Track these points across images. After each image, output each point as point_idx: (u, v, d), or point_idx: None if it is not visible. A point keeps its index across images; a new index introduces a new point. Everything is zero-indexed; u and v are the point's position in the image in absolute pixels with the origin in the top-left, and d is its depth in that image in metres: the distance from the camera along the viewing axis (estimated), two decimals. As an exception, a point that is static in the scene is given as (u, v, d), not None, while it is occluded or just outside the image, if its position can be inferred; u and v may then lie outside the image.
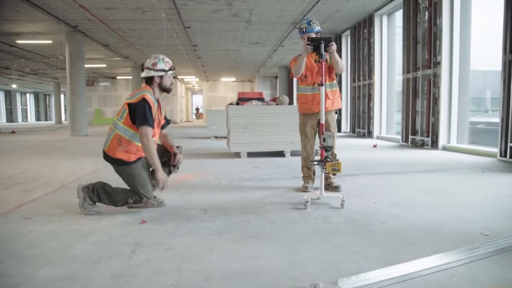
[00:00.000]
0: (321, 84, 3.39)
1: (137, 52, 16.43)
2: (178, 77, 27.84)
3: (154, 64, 3.07)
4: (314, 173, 4.07)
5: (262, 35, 13.65)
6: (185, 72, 25.62)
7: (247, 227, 2.67)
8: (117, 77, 27.06)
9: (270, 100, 8.00)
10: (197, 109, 39.45)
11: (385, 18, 10.64)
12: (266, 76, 28.31)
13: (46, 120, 40.37)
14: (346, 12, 10.79)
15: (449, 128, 7.80)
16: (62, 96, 31.58)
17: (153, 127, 2.98)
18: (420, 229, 2.64)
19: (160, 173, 2.97)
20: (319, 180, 4.06)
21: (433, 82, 8.02)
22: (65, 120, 28.39)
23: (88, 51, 14.71)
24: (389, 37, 10.72)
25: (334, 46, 3.42)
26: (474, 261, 2.08)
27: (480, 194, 3.70)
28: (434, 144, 7.97)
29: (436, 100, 7.97)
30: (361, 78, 11.83)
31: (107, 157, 3.11)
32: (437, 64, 7.87)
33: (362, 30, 11.59)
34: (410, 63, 8.85)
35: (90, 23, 11.37)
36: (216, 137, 11.22)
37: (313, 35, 3.64)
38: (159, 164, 2.98)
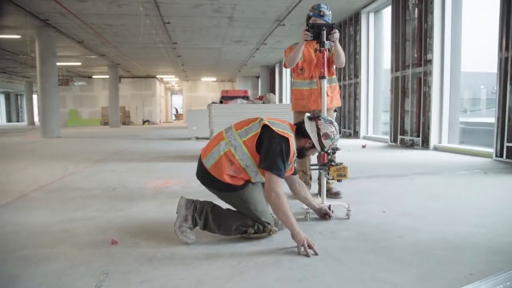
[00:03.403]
0: (323, 77, 2.97)
1: (114, 49, 15.72)
2: (157, 76, 27.10)
3: (326, 135, 2.34)
4: (310, 178, 3.65)
5: (245, 33, 13.20)
6: (165, 72, 24.92)
7: (242, 248, 2.21)
8: (93, 77, 26.03)
9: (256, 99, 7.56)
10: (176, 111, 38.75)
11: (372, 16, 10.36)
12: (248, 76, 27.86)
13: (18, 121, 38.74)
14: (332, 9, 10.38)
15: (440, 127, 7.54)
16: (34, 96, 30.24)
17: (283, 179, 2.22)
18: (444, 244, 2.24)
19: (300, 234, 2.13)
20: (314, 185, 3.70)
21: (424, 81, 7.76)
22: (38, 121, 27.21)
23: (61, 48, 13.92)
24: (376, 35, 10.45)
25: (337, 34, 3.01)
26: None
27: (494, 200, 3.36)
28: (425, 144, 7.71)
29: (426, 99, 7.71)
30: (347, 77, 11.53)
31: (208, 177, 2.31)
32: (428, 62, 7.61)
33: (348, 28, 11.29)
34: (399, 61, 8.58)
35: (62, 17, 10.65)
36: (197, 138, 10.73)
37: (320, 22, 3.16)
38: (297, 226, 2.16)
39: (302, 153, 2.41)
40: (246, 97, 9.26)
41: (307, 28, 2.99)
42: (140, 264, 1.97)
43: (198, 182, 2.48)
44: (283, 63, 3.55)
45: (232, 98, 8.64)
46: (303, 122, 2.38)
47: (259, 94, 21.82)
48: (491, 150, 6.05)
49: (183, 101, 32.52)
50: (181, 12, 10.37)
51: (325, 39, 2.91)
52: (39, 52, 11.77)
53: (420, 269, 1.91)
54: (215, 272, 1.88)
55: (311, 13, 3.27)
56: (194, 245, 2.25)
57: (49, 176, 4.82)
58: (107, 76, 21.54)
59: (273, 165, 2.15)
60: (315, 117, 2.36)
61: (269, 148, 2.17)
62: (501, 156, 5.77)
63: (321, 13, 3.21)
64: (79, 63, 19.67)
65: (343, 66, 3.37)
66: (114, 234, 2.44)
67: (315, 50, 3.25)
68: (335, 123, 2.39)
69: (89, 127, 21.42)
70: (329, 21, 3.23)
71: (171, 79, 29.42)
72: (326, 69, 2.98)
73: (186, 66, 21.33)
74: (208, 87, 31.33)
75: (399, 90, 8.60)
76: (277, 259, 2.04)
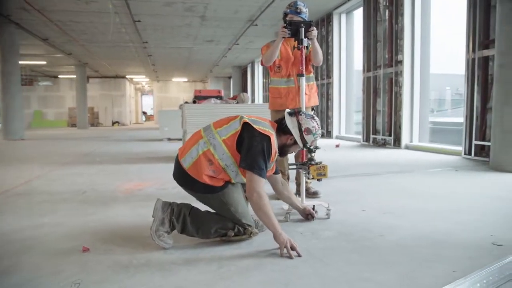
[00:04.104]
0: (301, 75, 2.93)
1: (81, 48, 15.18)
2: (127, 76, 26.46)
3: (308, 130, 2.27)
4: (288, 178, 3.60)
5: (217, 32, 13.06)
6: (135, 72, 24.36)
7: (222, 251, 2.12)
8: (59, 76, 25.06)
9: (230, 98, 7.47)
10: (144, 113, 37.98)
11: (343, 17, 10.49)
12: (219, 76, 27.68)
13: (-22, 123, 36.83)
14: (305, 9, 10.49)
15: (411, 127, 7.70)
16: (-4, 96, 28.84)
17: (264, 178, 2.14)
18: (426, 242, 2.25)
19: (283, 235, 2.05)
20: (291, 186, 3.66)
21: (395, 81, 7.91)
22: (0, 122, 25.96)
23: (24, 46, 13.31)
24: (348, 36, 10.58)
25: (315, 32, 2.97)
26: (508, 282, 1.71)
27: (469, 196, 3.43)
28: (397, 143, 7.86)
29: (397, 99, 7.86)
30: (320, 77, 11.62)
31: (185, 178, 2.20)
32: (399, 62, 7.76)
33: (320, 29, 11.37)
34: (370, 62, 8.72)
35: (25, 13, 10.14)
36: (169, 139, 10.51)
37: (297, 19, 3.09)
38: (279, 227, 2.08)
39: (284, 151, 2.35)
40: (219, 97, 9.15)
41: (285, 25, 2.93)
42: (115, 272, 1.84)
43: (172, 184, 2.38)
44: (260, 61, 3.47)
45: (206, 98, 8.52)
46: (283, 118, 2.32)
47: (231, 95, 21.73)
48: (460, 148, 6.22)
49: (153, 101, 31.92)
50: (151, 10, 10.13)
51: (303, 37, 2.86)
52: (0, 50, 11.18)
53: (404, 267, 1.89)
54: (195, 278, 1.79)
55: (288, 10, 3.21)
56: (171, 250, 2.14)
57: (13, 180, 4.55)
58: (74, 76, 20.80)
59: (254, 165, 2.08)
60: (295, 113, 2.31)
61: (250, 147, 2.09)
62: (470, 154, 5.95)
63: (298, 10, 3.16)
64: (44, 62, 18.89)
65: (321, 64, 3.34)
66: (85, 241, 2.30)
67: (293, 47, 3.20)
68: (317, 118, 2.35)
69: (55, 129, 20.60)
70: (306, 19, 3.18)
71: (142, 79, 28.80)
72: (304, 67, 2.94)
73: (156, 66, 20.92)
74: (179, 87, 30.90)
75: (371, 90, 8.73)
76: (259, 262, 1.97)
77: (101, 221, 2.75)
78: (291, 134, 2.28)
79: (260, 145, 2.10)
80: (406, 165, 5.44)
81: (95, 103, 25.27)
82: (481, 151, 5.82)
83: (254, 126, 2.14)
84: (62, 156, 7.22)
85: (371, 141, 8.75)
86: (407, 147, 7.62)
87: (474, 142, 5.91)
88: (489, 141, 5.53)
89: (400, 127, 7.76)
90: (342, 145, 8.71)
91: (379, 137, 8.46)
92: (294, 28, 2.89)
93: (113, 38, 12.57)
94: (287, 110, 2.37)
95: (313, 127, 2.28)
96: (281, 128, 2.29)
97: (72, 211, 3.08)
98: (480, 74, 5.83)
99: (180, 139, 9.02)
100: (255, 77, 21.17)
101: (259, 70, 20.36)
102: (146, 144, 9.91)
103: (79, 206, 3.25)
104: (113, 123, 25.69)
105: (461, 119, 6.30)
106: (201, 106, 6.66)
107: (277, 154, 2.27)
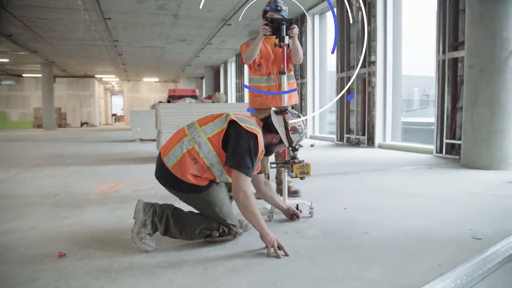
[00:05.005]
0: (282, 73, 2.90)
1: (48, 46, 14.59)
2: (96, 76, 25.72)
3: (294, 129, 2.25)
4: (268, 177, 3.57)
5: (190, 32, 12.90)
6: (104, 71, 23.70)
7: (207, 253, 2.06)
8: (24, 75, 24.03)
9: (205, 98, 7.38)
10: (113, 115, 37.12)
11: (317, 18, 10.59)
12: (192, 76, 27.38)
13: None
14: (278, 9, 10.51)
15: (384, 126, 7.86)
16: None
17: (251, 177, 2.09)
18: (409, 238, 2.27)
19: (270, 235, 2.02)
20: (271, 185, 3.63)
21: (368, 81, 8.05)
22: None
23: (-15, 43, 12.71)
24: (321, 37, 10.70)
25: (296, 30, 2.96)
26: (491, 274, 1.76)
27: (444, 193, 3.51)
28: (370, 142, 8.00)
29: (371, 99, 8.00)
30: (294, 78, 11.67)
31: (169, 177, 2.13)
32: (372, 63, 7.90)
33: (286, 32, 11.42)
34: (344, 62, 8.84)
35: (-14, 9, 9.66)
36: (141, 139, 10.28)
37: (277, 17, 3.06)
38: (266, 226, 2.04)
39: (269, 150, 2.31)
40: (194, 97, 9.01)
41: (266, 22, 2.90)
42: (95, 278, 1.75)
43: (149, 185, 2.30)
44: (240, 59, 3.42)
45: (180, 97, 8.37)
46: (269, 116, 2.28)
47: (204, 95, 21.52)
48: (432, 147, 6.40)
49: (123, 102, 31.20)
50: (123, 8, 9.87)
51: (285, 34, 2.84)
52: (-40, 47, 10.60)
53: (391, 263, 1.89)
54: (182, 280, 1.72)
55: (268, 8, 3.18)
56: (154, 252, 2.06)
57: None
58: (40, 75, 20.00)
59: (241, 163, 2.03)
60: (282, 111, 2.28)
61: (237, 145, 2.04)
62: (441, 152, 6.13)
63: (278, 8, 3.14)
64: (6, 60, 18.06)
65: (301, 62, 3.33)
66: (61, 246, 2.18)
67: (275, 45, 3.17)
68: (303, 117, 2.32)
69: (20, 130, 19.74)
70: (286, 17, 3.17)
71: (111, 79, 28.06)
72: (286, 65, 2.92)
73: (127, 65, 20.43)
74: (151, 87, 30.35)
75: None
76: (246, 262, 1.92)
77: (76, 225, 2.63)
78: (277, 133, 2.25)
79: (247, 143, 2.05)
80: (381, 163, 5.54)
81: (63, 104, 24.43)
82: (451, 149, 6.00)
83: (241, 124, 2.09)
84: (29, 158, 6.90)
85: (345, 141, 8.87)
86: (380, 146, 7.77)
87: (445, 140, 6.09)
88: (459, 139, 5.72)
89: (373, 127, 7.90)
90: (316, 144, 8.78)
91: (353, 136, 8.59)
92: (276, 26, 2.86)
93: (82, 36, 12.17)
94: (273, 108, 2.34)
95: (299, 126, 2.26)
96: (267, 126, 2.25)
97: (44, 215, 2.93)
98: (450, 75, 6.01)
99: (154, 140, 8.84)
100: (228, 78, 21.06)
101: (232, 70, 20.26)
102: (118, 145, 9.64)
103: (50, 209, 3.09)
104: (82, 124, 24.91)
105: (429, 119, 6.50)
106: (176, 106, 6.53)
107: (263, 153, 2.23)
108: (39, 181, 4.46)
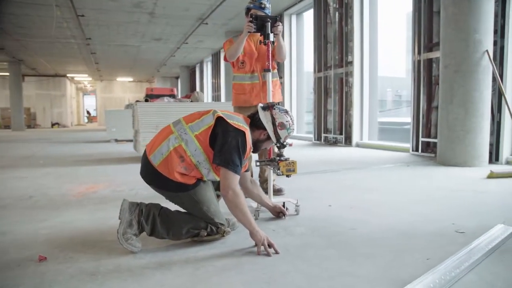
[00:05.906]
0: (267, 70, 2.88)
1: (16, 43, 14.03)
2: (68, 75, 24.97)
3: (282, 125, 2.21)
4: (252, 175, 3.54)
5: (166, 30, 12.70)
6: (76, 70, 23.02)
7: (196, 252, 2.01)
8: (-11, 74, 23.10)
9: (183, 97, 7.28)
10: (88, 113, 36.21)
11: (294, 18, 10.65)
12: (167, 76, 27.01)
13: None
14: (256, 9, 10.50)
15: (361, 125, 7.99)
16: None
17: (239, 175, 2.05)
18: (395, 233, 2.30)
19: (260, 233, 2.00)
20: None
21: (345, 81, 8.16)
22: None
23: None
24: (298, 37, 10.77)
25: (280, 27, 2.95)
26: (478, 265, 1.80)
27: (423, 189, 3.59)
28: (348, 141, 8.11)
29: (348, 98, 8.11)
30: (271, 78, 11.70)
31: (155, 176, 2.07)
32: (349, 63, 8.01)
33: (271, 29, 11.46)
34: (321, 62, 8.93)
35: None
36: (116, 140, 10.05)
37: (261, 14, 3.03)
38: (256, 225, 2.03)
39: (257, 146, 2.29)
40: (172, 96, 8.89)
41: (251, 19, 2.88)
42: (81, 282, 1.67)
43: (129, 185, 2.24)
44: (223, 57, 3.38)
45: (158, 96, 8.25)
46: (256, 113, 2.25)
47: (179, 95, 21.29)
48: (408, 145, 6.55)
49: (96, 102, 30.43)
50: (96, 5, 9.61)
51: (269, 31, 2.83)
52: None
53: (381, 259, 1.91)
54: (172, 282, 1.67)
55: (251, 5, 3.16)
56: (141, 253, 2.00)
57: None
58: (7, 74, 19.22)
59: (229, 161, 1.99)
60: (269, 107, 2.26)
61: (225, 143, 2.01)
62: (417, 150, 6.28)
63: (262, 6, 3.12)
64: (-29, 58, 17.28)
65: (285, 60, 3.32)
66: (40, 249, 2.08)
67: (260, 42, 3.15)
68: (290, 113, 2.31)
69: (-15, 131, 18.92)
70: (269, 14, 3.15)
71: (84, 78, 27.29)
72: (270, 62, 2.90)
73: (100, 64, 19.92)
74: (124, 87, 29.73)
75: (322, 90, 8.94)
76: (236, 261, 1.89)
77: (55, 228, 2.52)
78: (265, 129, 2.23)
79: (235, 141, 2.01)
80: (360, 162, 5.62)
81: (32, 104, 23.57)
82: (427, 147, 6.16)
83: (228, 121, 2.05)
84: (-2, 159, 6.61)
85: (322, 140, 8.96)
86: (357, 145, 7.89)
87: (421, 139, 6.24)
88: (434, 138, 5.87)
89: (350, 126, 8.02)
90: (295, 144, 8.82)
91: (331, 135, 8.68)
92: (260, 23, 2.84)
93: (54, 33, 11.77)
94: (260, 104, 2.31)
95: (287, 121, 2.24)
96: (254, 122, 2.23)
97: (19, 218, 2.79)
98: (425, 75, 6.17)
99: (129, 140, 8.66)
100: (204, 77, 20.89)
101: (208, 70, 20.11)
102: (92, 145, 9.38)
103: (26, 212, 2.96)
104: (53, 125, 24.11)
105: (402, 119, 6.66)
106: (154, 105, 6.43)
107: (251, 150, 2.21)
108: (11, 183, 4.27)
